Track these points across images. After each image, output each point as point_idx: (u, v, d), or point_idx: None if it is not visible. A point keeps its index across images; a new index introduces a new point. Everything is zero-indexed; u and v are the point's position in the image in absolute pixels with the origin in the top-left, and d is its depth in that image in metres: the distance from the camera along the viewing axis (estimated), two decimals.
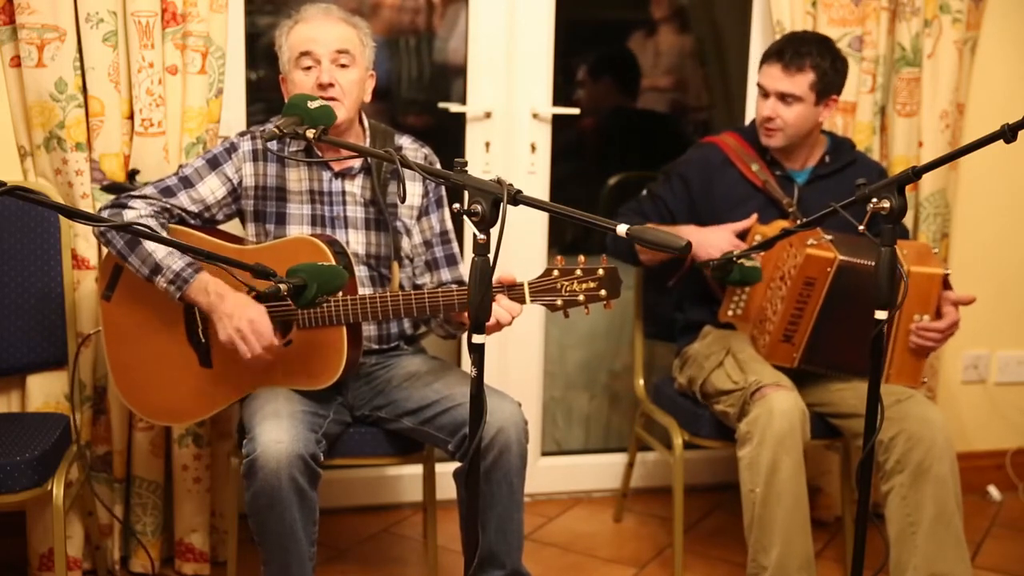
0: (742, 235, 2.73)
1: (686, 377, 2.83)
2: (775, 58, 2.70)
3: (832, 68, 2.70)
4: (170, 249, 2.26)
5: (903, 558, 2.50)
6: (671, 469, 2.86)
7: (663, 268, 2.86)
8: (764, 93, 2.73)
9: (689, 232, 2.72)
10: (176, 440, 2.71)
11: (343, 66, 2.37)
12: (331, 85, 2.34)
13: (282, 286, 1.81)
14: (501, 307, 2.16)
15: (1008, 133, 1.81)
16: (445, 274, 2.53)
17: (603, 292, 2.16)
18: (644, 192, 2.93)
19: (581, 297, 2.16)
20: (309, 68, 2.36)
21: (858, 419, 2.46)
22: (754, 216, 2.74)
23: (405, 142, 2.55)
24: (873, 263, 2.48)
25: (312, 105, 2.01)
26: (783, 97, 2.69)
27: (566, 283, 2.16)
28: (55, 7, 2.47)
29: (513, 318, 2.18)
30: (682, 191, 2.85)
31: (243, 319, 2.22)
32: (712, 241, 2.69)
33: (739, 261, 2.55)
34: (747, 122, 3.27)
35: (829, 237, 2.57)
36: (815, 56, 2.68)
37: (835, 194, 2.69)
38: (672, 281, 2.85)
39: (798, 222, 2.67)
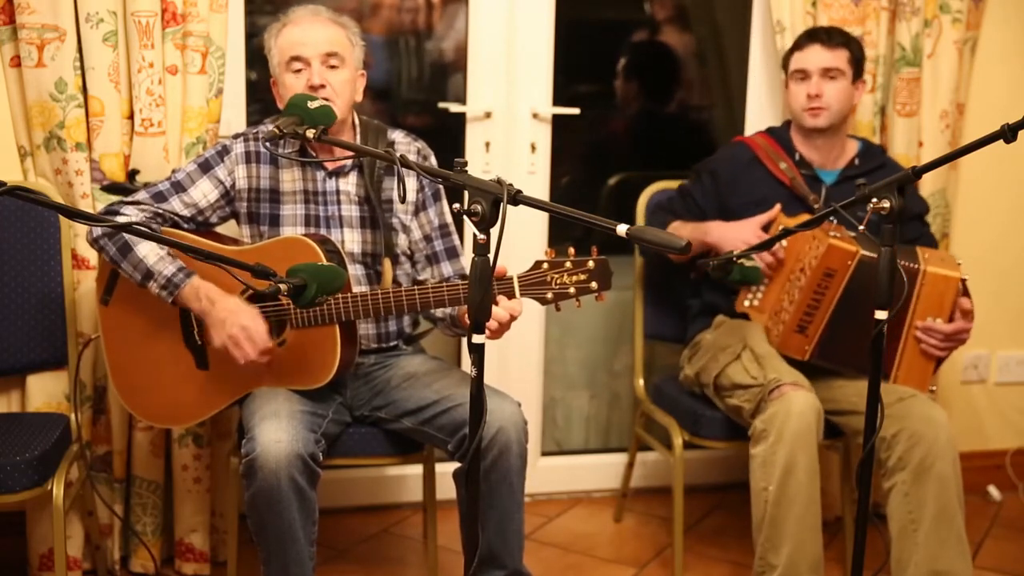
0: (767, 227, 2.74)
1: (696, 367, 2.80)
2: (811, 40, 2.80)
3: (859, 48, 2.83)
4: (161, 254, 2.28)
5: (904, 555, 2.49)
6: (671, 469, 2.86)
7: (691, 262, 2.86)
8: (802, 77, 2.79)
9: (714, 227, 2.76)
10: (176, 440, 2.71)
11: (332, 67, 2.37)
12: (322, 86, 2.34)
13: (282, 286, 1.81)
14: (501, 307, 2.16)
15: (1008, 133, 1.81)
16: (446, 267, 2.53)
17: (594, 284, 2.14)
18: (676, 190, 2.96)
19: (572, 289, 2.14)
20: (299, 71, 2.36)
21: (858, 416, 2.45)
22: (777, 207, 2.74)
23: (398, 136, 2.54)
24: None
25: (312, 105, 2.00)
26: (827, 73, 2.76)
27: (556, 276, 2.15)
28: (55, 7, 2.47)
29: (513, 318, 2.18)
30: (711, 188, 2.88)
31: (235, 325, 2.22)
32: (736, 235, 2.70)
33: (739, 261, 2.54)
34: (748, 125, 3.28)
35: (852, 234, 2.58)
36: (845, 36, 2.82)
37: None
38: (694, 273, 2.86)
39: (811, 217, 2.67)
